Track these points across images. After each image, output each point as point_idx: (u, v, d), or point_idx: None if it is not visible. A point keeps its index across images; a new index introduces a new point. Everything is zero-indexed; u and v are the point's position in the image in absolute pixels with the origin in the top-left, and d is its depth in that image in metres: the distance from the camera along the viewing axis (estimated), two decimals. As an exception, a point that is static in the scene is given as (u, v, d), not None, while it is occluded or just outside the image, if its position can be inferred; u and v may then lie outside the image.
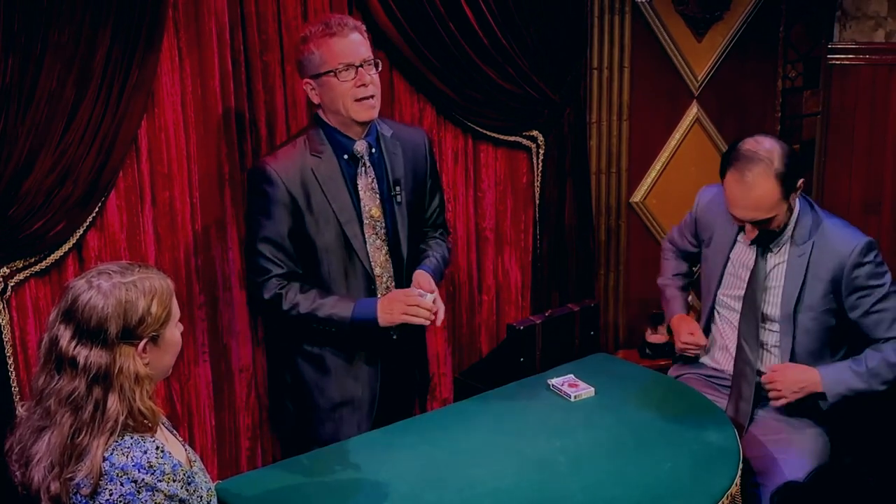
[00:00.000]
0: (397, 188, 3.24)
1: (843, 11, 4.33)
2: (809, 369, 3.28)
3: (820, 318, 3.31)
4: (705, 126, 4.52)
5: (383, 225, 3.22)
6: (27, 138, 3.00)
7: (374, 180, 3.20)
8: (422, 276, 3.15)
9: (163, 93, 3.36)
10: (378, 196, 3.21)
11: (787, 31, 4.44)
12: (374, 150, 3.20)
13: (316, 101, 3.13)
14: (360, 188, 3.18)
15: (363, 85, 3.06)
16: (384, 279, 3.25)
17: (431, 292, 3.09)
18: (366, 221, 3.18)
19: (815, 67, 4.45)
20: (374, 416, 3.29)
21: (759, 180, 3.12)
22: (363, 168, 3.18)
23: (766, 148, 3.16)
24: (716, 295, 3.46)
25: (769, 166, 3.12)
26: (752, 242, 3.32)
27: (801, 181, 3.24)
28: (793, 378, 3.25)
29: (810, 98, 4.45)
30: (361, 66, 3.06)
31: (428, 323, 3.11)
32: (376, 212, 3.20)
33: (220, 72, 3.46)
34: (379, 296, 3.20)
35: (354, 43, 3.07)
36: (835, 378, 3.26)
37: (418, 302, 3.05)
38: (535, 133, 4.18)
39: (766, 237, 3.28)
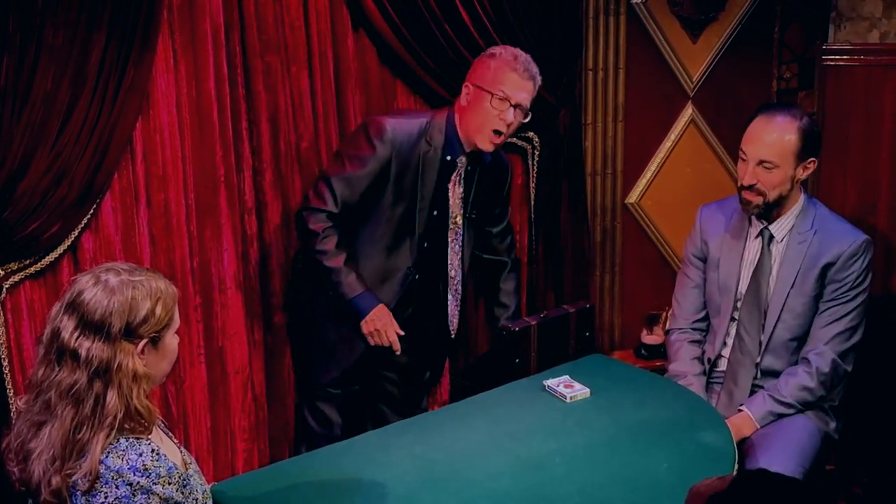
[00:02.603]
0: (473, 212, 3.61)
1: (838, 12, 4.33)
2: (738, 418, 3.40)
3: (810, 304, 3.42)
4: (700, 127, 4.52)
5: (461, 232, 3.60)
6: (22, 140, 2.99)
7: (462, 193, 3.54)
8: None
9: (158, 94, 3.36)
10: (462, 207, 3.56)
11: (781, 32, 4.44)
12: (469, 168, 3.53)
13: (464, 103, 3.43)
14: (450, 193, 3.51)
15: (504, 121, 3.37)
16: (456, 280, 3.64)
17: None
18: (451, 226, 3.56)
19: (810, 68, 4.46)
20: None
21: (783, 124, 3.33)
22: (457, 177, 3.51)
23: (797, 109, 3.46)
24: (736, 292, 3.51)
25: (797, 119, 3.35)
26: (758, 217, 3.44)
27: (813, 160, 3.38)
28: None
29: (805, 99, 4.45)
30: (515, 107, 3.36)
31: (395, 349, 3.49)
32: (460, 219, 3.57)
33: (215, 73, 3.45)
34: (450, 294, 3.64)
35: (524, 87, 3.38)
36: (762, 412, 3.40)
37: (390, 339, 3.45)
38: (530, 134, 4.18)
39: (765, 212, 3.40)
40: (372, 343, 3.46)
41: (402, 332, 3.46)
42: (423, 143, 3.41)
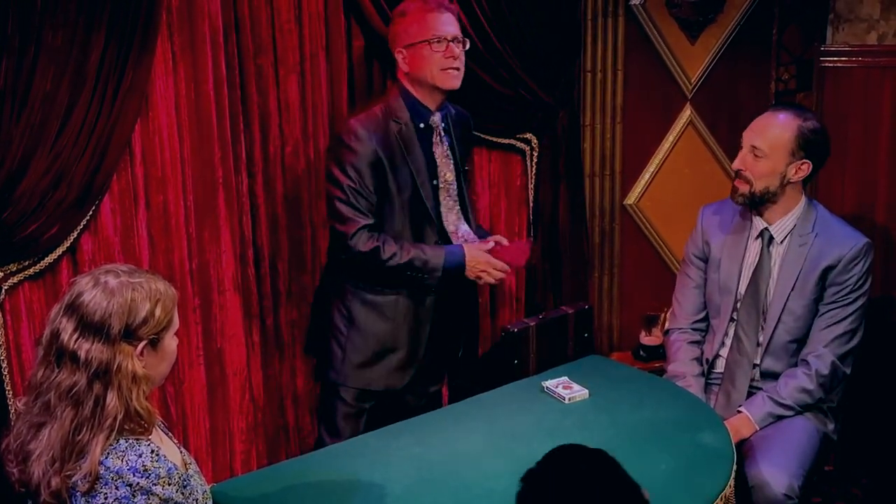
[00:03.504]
0: (464, 159, 3.64)
1: (836, 14, 4.34)
2: (737, 419, 3.40)
3: (810, 306, 3.43)
4: (698, 128, 4.53)
5: (456, 189, 3.56)
6: (21, 141, 2.99)
7: (448, 148, 3.53)
8: (501, 238, 3.60)
9: (157, 96, 3.36)
10: (451, 162, 3.54)
11: (780, 34, 4.45)
12: (443, 124, 3.51)
13: (405, 69, 3.42)
14: (436, 155, 3.50)
15: (452, 57, 3.39)
16: (458, 235, 3.57)
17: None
18: (441, 186, 3.52)
19: (808, 70, 4.46)
20: (420, 363, 3.59)
21: (784, 119, 3.39)
22: (438, 137, 3.50)
23: (808, 112, 3.50)
24: (736, 293, 3.53)
25: (799, 119, 3.39)
26: (747, 207, 3.48)
27: (807, 162, 3.39)
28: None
29: (803, 100, 4.45)
30: (452, 41, 3.39)
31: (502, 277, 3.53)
32: (450, 176, 3.54)
33: (213, 75, 3.46)
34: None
35: (447, 20, 3.41)
36: (761, 414, 3.40)
37: (498, 266, 3.46)
38: (528, 136, 4.19)
39: (752, 203, 3.44)
40: (486, 281, 3.51)
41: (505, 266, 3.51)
42: (392, 124, 3.41)
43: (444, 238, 3.53)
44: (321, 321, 3.70)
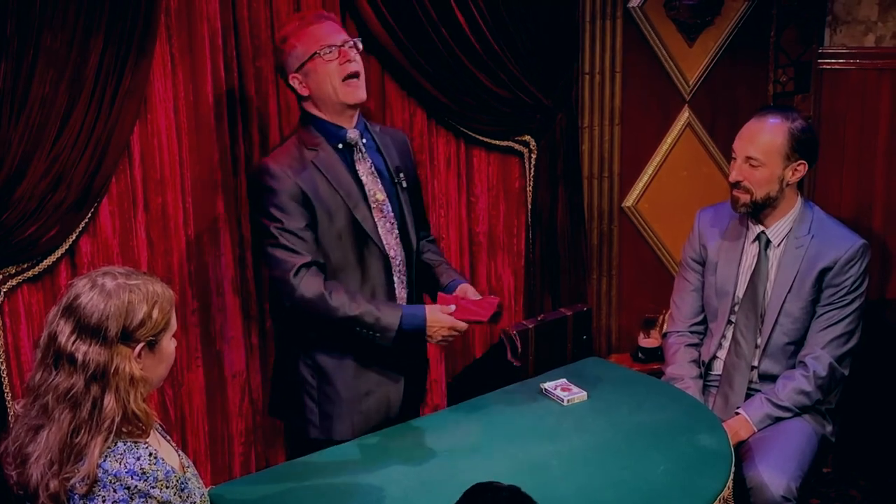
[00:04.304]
0: (400, 174, 3.29)
1: (834, 16, 4.34)
2: (735, 421, 3.40)
3: (807, 308, 3.44)
4: (697, 131, 4.53)
5: (390, 209, 3.25)
6: (20, 144, 3.00)
7: (373, 165, 3.23)
8: (468, 289, 3.25)
9: (155, 98, 3.37)
10: (380, 180, 3.24)
11: (777, 36, 4.45)
12: (364, 139, 3.24)
13: (305, 93, 3.15)
14: (360, 173, 3.20)
15: (348, 61, 3.11)
16: (398, 261, 3.27)
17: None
18: (373, 205, 3.21)
19: (806, 72, 4.46)
20: (399, 407, 3.28)
21: (773, 125, 3.39)
22: (360, 155, 3.22)
23: (793, 113, 3.48)
24: (734, 296, 3.53)
25: (787, 121, 3.39)
26: (749, 216, 3.49)
27: (803, 162, 3.40)
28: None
29: (801, 102, 4.46)
30: (343, 45, 3.11)
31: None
32: (381, 195, 3.23)
33: (212, 77, 3.46)
34: (395, 280, 3.25)
35: (331, 28, 3.14)
36: (759, 416, 3.40)
37: (460, 328, 3.12)
38: (527, 138, 4.19)
39: (755, 210, 3.44)
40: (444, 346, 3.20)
41: (464, 326, 3.15)
42: (307, 153, 3.14)
43: (386, 264, 3.23)
44: (285, 377, 3.37)
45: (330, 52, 3.09)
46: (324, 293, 3.05)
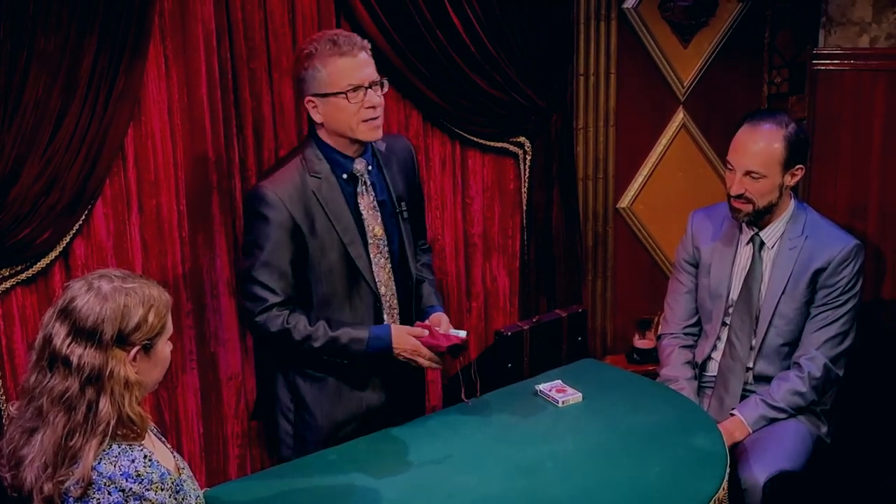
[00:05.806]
0: (402, 204, 3.22)
1: (829, 17, 4.35)
2: (730, 422, 3.40)
3: (802, 309, 3.44)
4: (691, 132, 4.54)
5: (386, 243, 3.18)
6: (13, 146, 2.99)
7: (375, 199, 3.16)
8: (442, 318, 3.19)
9: (149, 100, 3.36)
10: (380, 215, 3.17)
11: (772, 37, 4.46)
12: (371, 168, 3.15)
13: (318, 119, 3.05)
14: (361, 207, 3.13)
15: (372, 107, 3.02)
16: (388, 297, 3.22)
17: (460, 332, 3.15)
18: (370, 241, 3.14)
19: (801, 73, 4.47)
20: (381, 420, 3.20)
21: (769, 134, 3.35)
22: (363, 187, 3.14)
23: (784, 116, 3.44)
24: (727, 298, 3.53)
25: (782, 127, 3.36)
26: (748, 224, 3.46)
27: (800, 166, 3.39)
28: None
29: (796, 104, 4.47)
30: (370, 87, 3.01)
31: (434, 367, 3.16)
32: (379, 230, 3.16)
33: (206, 79, 3.46)
34: (385, 316, 3.20)
35: (363, 63, 3.02)
36: (754, 417, 3.40)
37: (425, 354, 3.08)
38: (522, 139, 4.19)
39: (755, 219, 3.42)
40: (417, 364, 3.13)
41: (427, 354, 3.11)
42: (310, 180, 3.04)
43: (377, 301, 3.17)
44: (264, 391, 3.38)
45: (356, 93, 2.98)
46: (287, 329, 3.01)
